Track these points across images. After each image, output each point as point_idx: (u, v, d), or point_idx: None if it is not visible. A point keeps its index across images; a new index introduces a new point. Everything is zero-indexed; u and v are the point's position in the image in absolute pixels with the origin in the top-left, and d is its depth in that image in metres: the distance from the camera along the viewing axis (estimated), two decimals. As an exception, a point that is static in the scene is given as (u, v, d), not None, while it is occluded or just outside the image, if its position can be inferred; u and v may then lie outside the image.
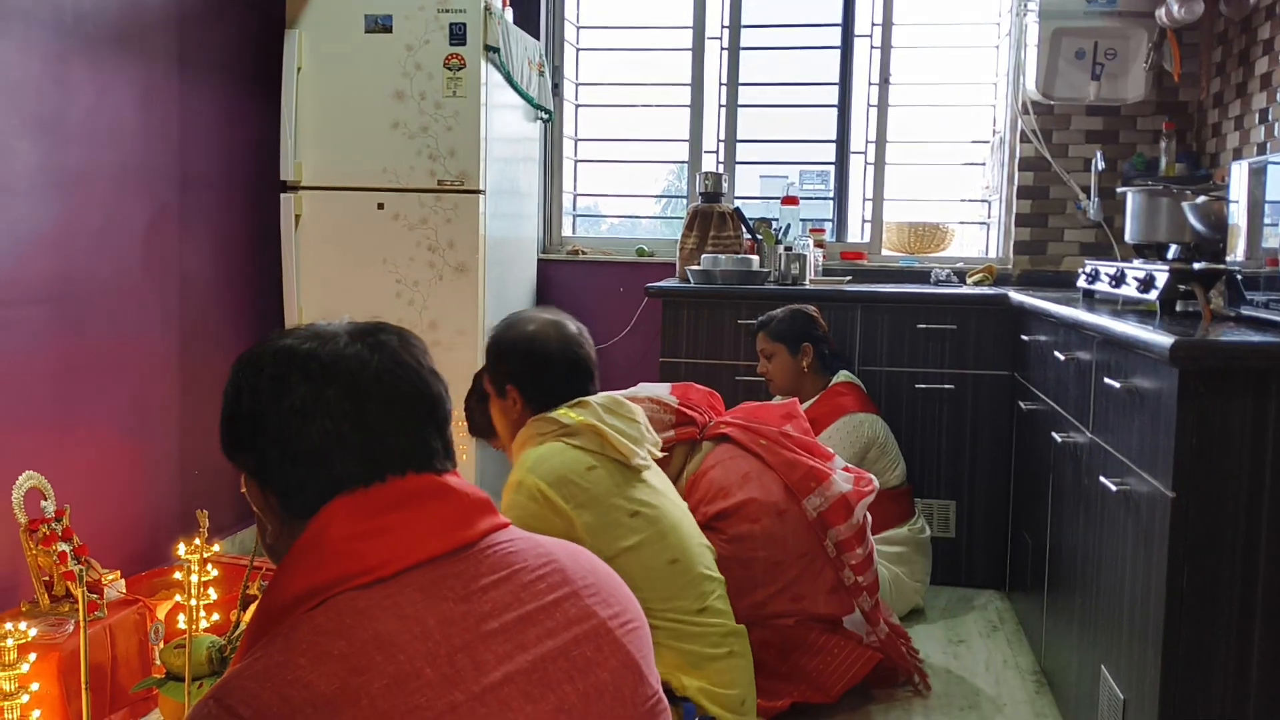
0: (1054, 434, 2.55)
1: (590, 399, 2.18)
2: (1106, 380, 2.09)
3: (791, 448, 2.58)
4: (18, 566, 2.50)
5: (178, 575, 2.46)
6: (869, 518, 2.56)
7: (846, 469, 2.62)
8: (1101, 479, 2.07)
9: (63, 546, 2.39)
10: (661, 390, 2.70)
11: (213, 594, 2.47)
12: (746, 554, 2.42)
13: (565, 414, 2.13)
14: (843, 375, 3.33)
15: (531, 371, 2.17)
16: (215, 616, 2.52)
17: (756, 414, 2.72)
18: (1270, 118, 3.06)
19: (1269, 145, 3.05)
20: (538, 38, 4.17)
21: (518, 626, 0.99)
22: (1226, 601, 1.71)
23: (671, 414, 2.63)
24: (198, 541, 2.45)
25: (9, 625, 2.09)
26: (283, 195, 3.55)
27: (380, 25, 3.49)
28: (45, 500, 2.44)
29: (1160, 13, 3.40)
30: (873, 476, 2.64)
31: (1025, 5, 3.79)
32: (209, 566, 2.45)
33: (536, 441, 2.14)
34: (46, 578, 2.41)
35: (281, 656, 0.92)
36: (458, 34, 3.45)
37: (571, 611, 1.03)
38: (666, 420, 2.61)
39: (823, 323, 3.34)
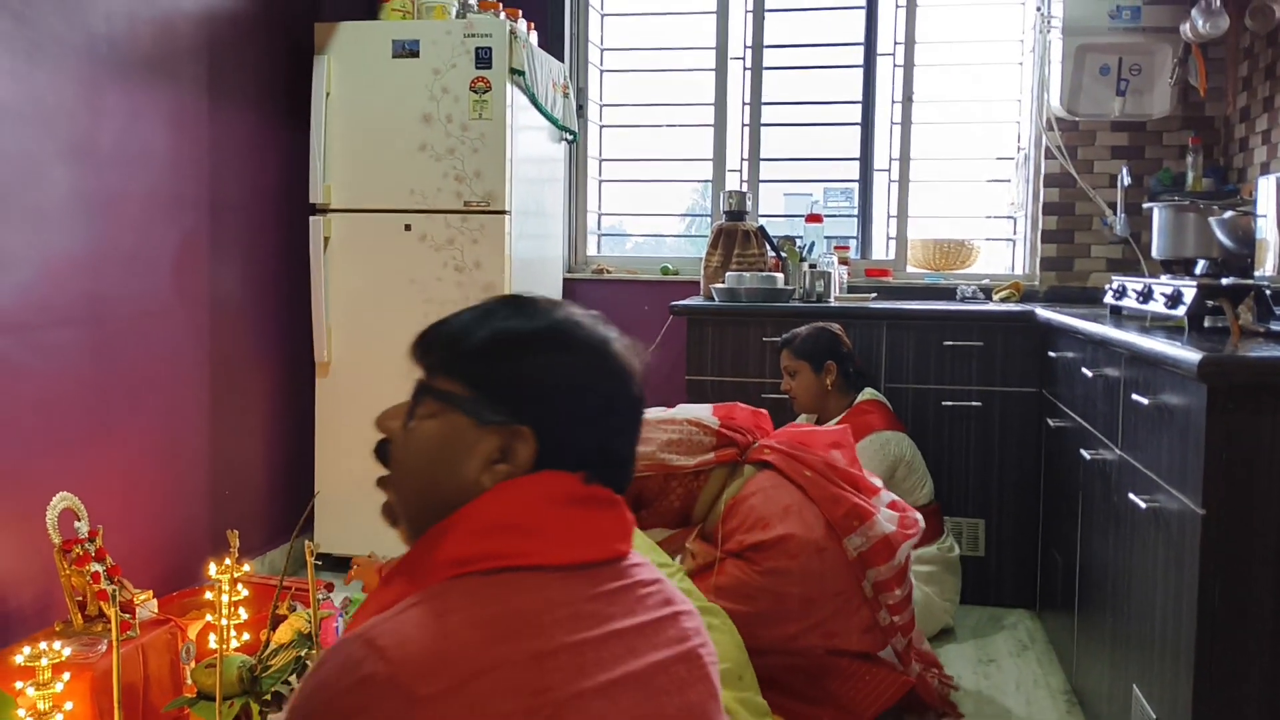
0: (1083, 451, 2.54)
1: None
2: (1135, 397, 2.07)
3: (837, 481, 2.50)
4: (51, 586, 2.54)
5: (209, 595, 2.48)
6: (910, 558, 2.51)
7: (892, 504, 2.56)
8: (1131, 496, 2.06)
9: (96, 567, 2.42)
10: (703, 411, 2.64)
11: (243, 614, 2.49)
12: (780, 588, 2.37)
13: None
14: (868, 393, 3.32)
15: None
16: (246, 636, 2.54)
17: (803, 440, 2.63)
18: (1298, 131, 3.04)
19: (1297, 159, 3.03)
20: (562, 60, 4.21)
21: (633, 634, 1.02)
22: (1258, 619, 1.69)
23: (712, 436, 2.57)
24: (228, 561, 2.47)
25: (43, 645, 2.12)
26: (311, 218, 3.60)
27: (407, 50, 3.53)
28: (78, 521, 2.47)
29: (1185, 28, 3.39)
30: (919, 517, 2.57)
31: (1049, 22, 3.79)
32: (239, 586, 2.48)
33: None
34: (80, 598, 2.43)
35: (436, 609, 0.94)
36: (483, 58, 3.48)
37: (672, 632, 1.06)
38: (706, 442, 2.55)
39: (847, 341, 3.34)
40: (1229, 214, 2.51)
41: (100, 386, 2.80)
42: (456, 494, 1.03)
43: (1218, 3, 3.25)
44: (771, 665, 2.35)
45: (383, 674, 0.88)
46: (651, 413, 2.58)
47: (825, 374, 3.27)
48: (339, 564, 3.07)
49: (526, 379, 1.05)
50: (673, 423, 2.55)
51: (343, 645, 0.92)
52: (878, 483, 2.61)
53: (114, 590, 2.21)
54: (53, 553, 2.40)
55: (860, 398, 3.31)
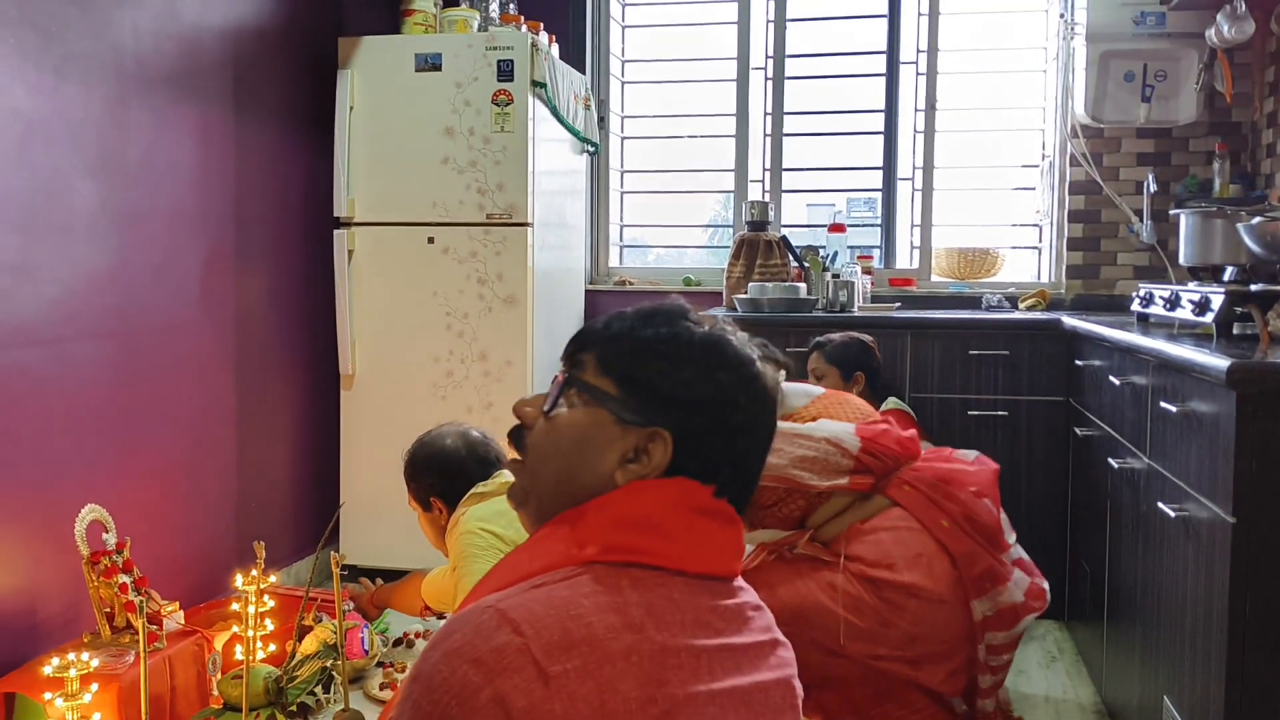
0: (1110, 460, 2.51)
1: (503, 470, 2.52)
2: (1163, 404, 2.05)
3: (975, 537, 2.36)
4: (80, 598, 2.55)
5: (235, 606, 2.50)
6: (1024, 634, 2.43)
7: (1019, 562, 2.44)
8: (1160, 505, 2.03)
9: (123, 578, 2.44)
10: (845, 431, 2.45)
11: (269, 625, 2.50)
12: (892, 618, 2.28)
13: (479, 486, 2.46)
14: (892, 402, 3.31)
15: (448, 480, 2.49)
16: (272, 647, 2.55)
17: (948, 479, 2.44)
18: (1327, 136, 3.01)
19: (1326, 164, 3.00)
20: (583, 72, 4.22)
21: (741, 652, 1.04)
22: (1292, 630, 1.67)
23: (850, 460, 2.39)
24: (254, 573, 2.49)
25: (71, 656, 2.13)
26: (335, 231, 3.62)
27: (430, 64, 3.55)
28: (107, 533, 2.49)
29: (1210, 33, 3.37)
30: (1046, 586, 2.44)
31: (1072, 28, 3.77)
32: (265, 597, 2.49)
33: (460, 513, 2.45)
34: (108, 609, 2.45)
35: (567, 593, 0.96)
36: (505, 71, 3.50)
37: (772, 658, 1.08)
38: (843, 465, 2.38)
39: (878, 354, 3.32)
40: (1257, 220, 2.48)
41: (128, 399, 2.83)
42: (589, 485, 1.07)
43: (1243, 7, 3.22)
44: (842, 671, 2.31)
45: (516, 645, 0.90)
46: (787, 425, 2.44)
47: (854, 384, 3.25)
48: (364, 575, 3.08)
49: (673, 386, 1.08)
50: (810, 439, 2.41)
51: (471, 614, 0.94)
52: (1011, 538, 2.48)
53: (141, 602, 2.22)
54: (81, 564, 2.42)
55: (885, 407, 3.29)
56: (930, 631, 2.29)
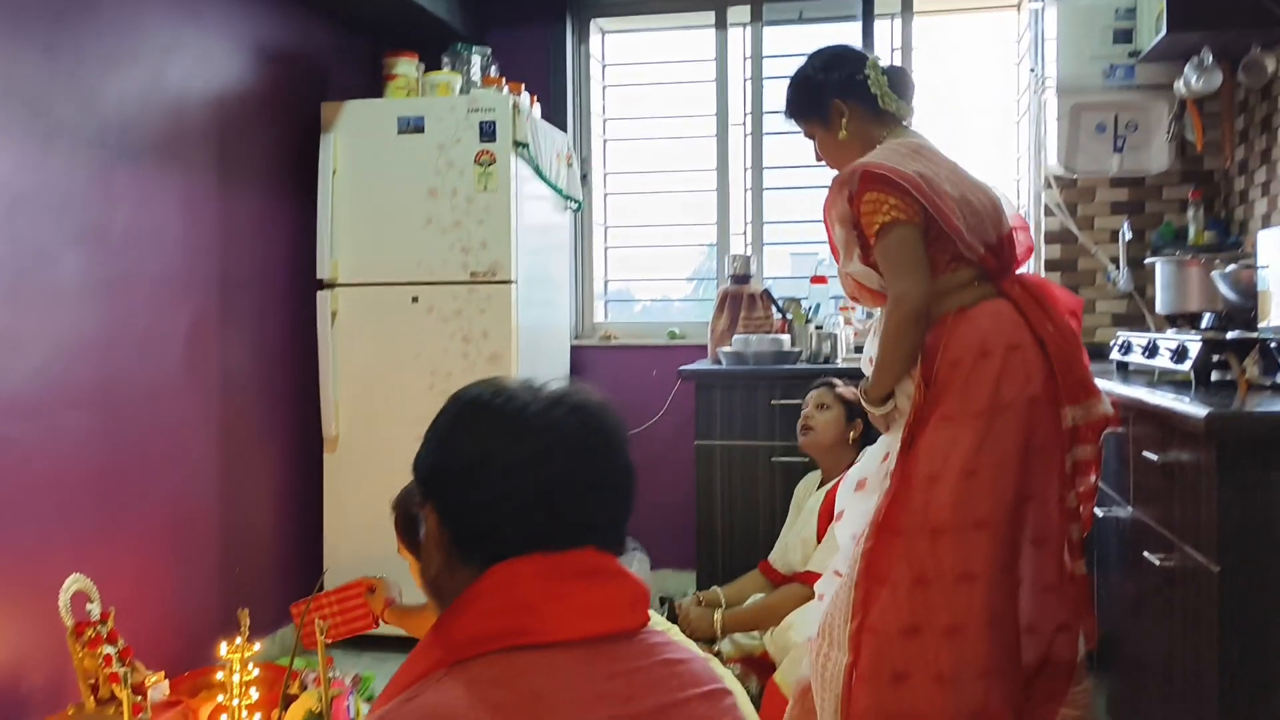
0: (1096, 509, 2.52)
1: None
2: (1145, 454, 2.07)
3: (1073, 347, 2.23)
4: (64, 669, 2.52)
5: (220, 675, 2.47)
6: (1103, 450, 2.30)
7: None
8: (1145, 554, 2.04)
9: (108, 649, 2.41)
10: (1010, 207, 2.34)
11: (254, 693, 2.47)
12: (999, 456, 2.12)
13: None
14: (876, 452, 3.30)
15: None
16: (257, 716, 2.52)
17: (1052, 293, 2.28)
18: (1296, 183, 3.06)
19: (1297, 210, 3.05)
20: (565, 130, 4.27)
21: (656, 714, 1.01)
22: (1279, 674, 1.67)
23: (995, 236, 2.26)
24: (239, 641, 2.46)
25: (55, 730, 2.10)
26: (319, 293, 3.63)
27: (412, 126, 3.59)
28: (91, 603, 2.47)
29: (1179, 84, 3.43)
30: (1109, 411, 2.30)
31: (1043, 82, 3.84)
32: (250, 666, 2.46)
33: None
34: (92, 680, 2.42)
35: (437, 697, 0.94)
36: (488, 131, 3.54)
37: (699, 712, 1.04)
38: (989, 236, 2.25)
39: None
40: (1230, 267, 2.52)
41: (112, 467, 2.81)
42: (433, 587, 1.11)
43: (1210, 59, 3.29)
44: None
45: None
46: (963, 173, 2.32)
47: (852, 427, 3.25)
48: (349, 641, 3.05)
49: (423, 466, 1.11)
50: (982, 193, 2.29)
51: None
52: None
53: (126, 673, 2.20)
54: (65, 636, 2.40)
55: (868, 456, 3.28)
56: (1029, 442, 2.15)
